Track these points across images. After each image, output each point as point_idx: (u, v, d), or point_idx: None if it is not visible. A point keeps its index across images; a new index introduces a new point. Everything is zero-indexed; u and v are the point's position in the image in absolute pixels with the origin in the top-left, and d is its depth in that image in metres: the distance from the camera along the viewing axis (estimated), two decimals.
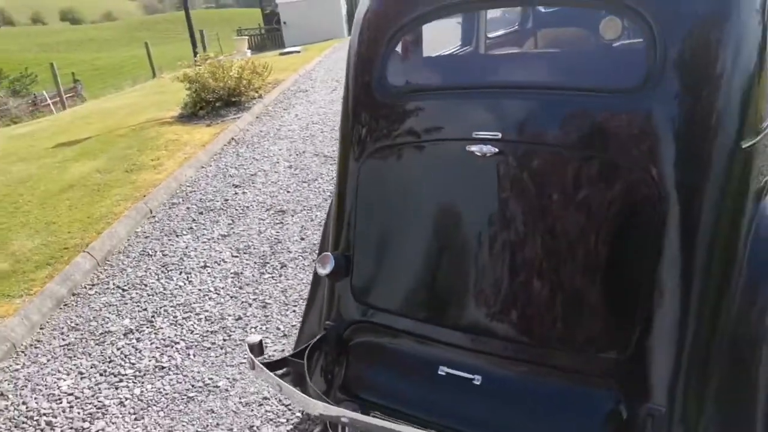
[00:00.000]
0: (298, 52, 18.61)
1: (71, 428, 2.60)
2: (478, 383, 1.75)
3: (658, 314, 1.56)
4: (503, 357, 1.74)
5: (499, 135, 1.72)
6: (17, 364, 3.10)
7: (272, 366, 1.93)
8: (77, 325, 3.44)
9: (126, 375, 2.93)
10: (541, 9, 3.21)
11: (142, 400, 2.73)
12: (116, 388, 2.84)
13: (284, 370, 1.98)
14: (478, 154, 1.73)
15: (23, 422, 2.66)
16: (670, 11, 1.55)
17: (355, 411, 1.78)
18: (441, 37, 3.19)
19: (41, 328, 3.43)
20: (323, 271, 2.00)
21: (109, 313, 3.53)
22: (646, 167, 1.56)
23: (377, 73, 1.94)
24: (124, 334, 3.28)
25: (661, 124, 1.55)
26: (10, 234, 4.76)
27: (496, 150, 1.71)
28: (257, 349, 2.01)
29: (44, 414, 2.70)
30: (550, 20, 3.12)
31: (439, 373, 1.81)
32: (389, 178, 1.96)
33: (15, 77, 24.08)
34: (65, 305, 3.67)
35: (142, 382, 2.85)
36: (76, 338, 3.30)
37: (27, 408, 2.75)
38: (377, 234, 1.99)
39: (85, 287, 3.87)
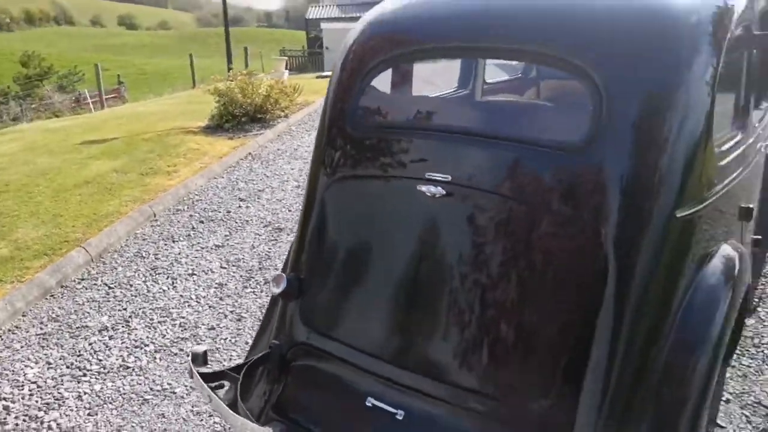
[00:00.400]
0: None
1: (26, 415, 2.65)
2: (400, 418, 1.75)
3: (587, 367, 1.55)
4: (427, 395, 1.74)
5: (449, 178, 1.75)
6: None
7: (209, 377, 1.96)
8: (57, 316, 3.52)
9: (90, 370, 2.98)
10: None
11: (99, 397, 2.77)
12: (78, 382, 2.89)
13: (220, 383, 2.01)
14: (428, 194, 1.76)
15: None
16: (619, 75, 1.58)
17: None
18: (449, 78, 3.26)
19: (23, 315, 3.52)
20: (276, 290, 2.04)
21: (91, 308, 3.61)
22: (585, 222, 1.57)
23: (352, 102, 2.00)
24: (99, 331, 3.35)
25: (601, 183, 1.57)
26: (17, 222, 4.91)
27: (445, 192, 1.74)
28: (201, 359, 2.05)
29: (4, 398, 2.76)
30: (548, 73, 3.16)
31: (366, 403, 1.81)
32: (347, 207, 2.01)
33: (63, 74, 25.03)
34: (51, 296, 3.77)
35: (104, 380, 2.90)
36: (53, 329, 3.38)
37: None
38: (329, 260, 2.02)
39: (74, 281, 3.96)
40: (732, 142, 1.90)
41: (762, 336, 3.05)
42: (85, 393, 2.80)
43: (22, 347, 3.20)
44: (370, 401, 1.81)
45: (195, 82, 18.66)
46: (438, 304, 1.76)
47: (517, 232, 1.67)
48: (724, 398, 2.61)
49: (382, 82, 2.22)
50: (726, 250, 1.85)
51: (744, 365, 2.84)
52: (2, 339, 3.27)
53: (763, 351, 2.94)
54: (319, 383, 1.97)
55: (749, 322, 3.16)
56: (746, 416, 2.51)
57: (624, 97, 1.56)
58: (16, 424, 2.60)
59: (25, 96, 21.44)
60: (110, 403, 2.73)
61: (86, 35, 60.43)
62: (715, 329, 1.65)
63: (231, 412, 1.78)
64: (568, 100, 2.11)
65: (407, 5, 2.02)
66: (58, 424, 2.60)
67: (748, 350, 2.96)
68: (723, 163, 1.79)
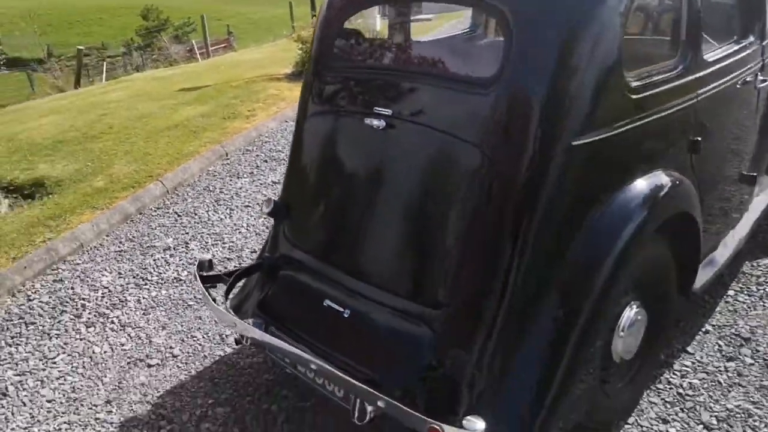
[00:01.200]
0: (429, 19, 18.73)
1: (97, 312, 3.28)
2: (346, 316, 2.09)
3: (494, 276, 1.79)
4: (364, 297, 2.06)
5: (390, 112, 2.01)
6: (80, 260, 3.88)
7: (207, 279, 2.41)
8: (133, 237, 4.17)
9: (151, 281, 3.57)
10: None
11: (154, 301, 3.35)
12: (140, 289, 3.49)
13: (215, 284, 2.44)
14: (373, 126, 2.04)
15: (67, 301, 3.39)
16: (524, 11, 1.74)
17: (257, 325, 2.20)
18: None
19: (106, 236, 4.20)
20: (265, 210, 2.43)
21: (161, 232, 4.22)
22: (495, 149, 1.79)
23: (330, 42, 2.30)
24: (164, 250, 3.94)
25: (507, 113, 1.77)
26: (114, 159, 5.66)
27: (386, 124, 2.01)
28: (206, 266, 2.49)
29: (83, 298, 3.42)
30: None
31: (323, 304, 2.17)
32: (318, 138, 2.32)
33: (178, 25, 26.68)
34: (131, 221, 4.43)
35: (160, 288, 3.48)
36: (128, 247, 4.02)
37: (73, 292, 3.49)
38: (305, 184, 2.37)
39: (151, 209, 4.61)
40: (662, 76, 1.98)
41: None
42: (143, 298, 3.39)
43: (101, 261, 3.86)
44: (326, 302, 2.16)
45: (294, 30, 19.27)
46: (371, 221, 2.06)
47: (441, 158, 1.91)
48: (703, 329, 2.71)
49: (363, 25, 2.47)
50: (656, 177, 1.98)
51: (739, 301, 2.88)
52: (88, 253, 3.96)
53: (764, 289, 2.95)
54: (293, 288, 2.35)
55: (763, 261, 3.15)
56: (720, 345, 2.60)
57: (528, 32, 1.73)
58: (88, 318, 3.23)
59: (145, 47, 23.22)
60: (161, 306, 3.30)
61: None
62: (615, 249, 1.82)
63: (215, 305, 2.20)
64: (493, 41, 2.25)
65: None
66: (119, 320, 3.20)
67: (749, 287, 2.98)
68: (644, 94, 1.89)
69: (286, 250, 2.41)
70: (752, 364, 2.48)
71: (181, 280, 3.57)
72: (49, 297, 3.44)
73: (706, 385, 2.38)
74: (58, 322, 3.21)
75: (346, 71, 2.25)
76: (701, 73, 2.11)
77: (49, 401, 2.62)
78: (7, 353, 2.96)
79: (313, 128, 2.32)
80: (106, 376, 2.76)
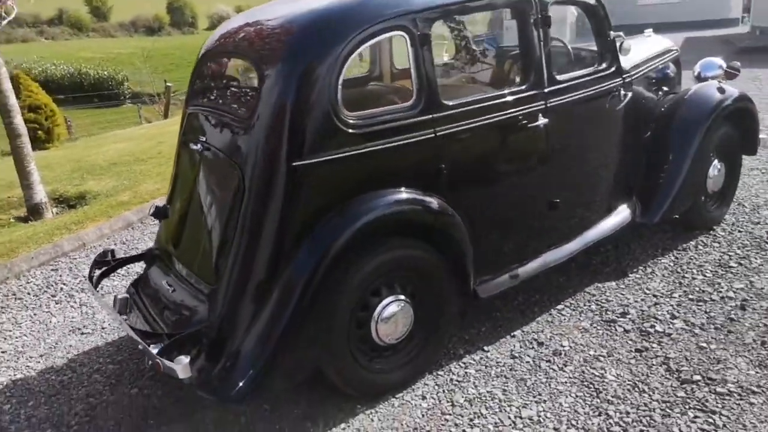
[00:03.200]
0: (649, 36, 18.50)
1: (68, 294, 4.18)
2: (172, 292, 2.78)
3: (227, 263, 2.43)
4: (183, 277, 2.75)
5: (204, 140, 2.72)
6: (78, 256, 4.85)
7: (102, 264, 3.19)
8: (126, 240, 5.10)
9: (120, 273, 4.44)
10: None
11: (113, 288, 4.20)
12: (109, 279, 4.37)
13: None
14: (196, 149, 2.76)
15: (52, 284, 4.33)
16: (265, 67, 2.40)
17: (124, 299, 2.93)
18: None
19: (107, 239, 5.17)
20: (150, 213, 3.20)
21: (149, 238, 5.12)
22: (242, 167, 2.44)
23: (193, 84, 3.06)
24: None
25: (252, 142, 2.41)
26: (146, 179, 6.75)
27: (201, 149, 2.72)
28: (108, 254, 3.28)
29: (64, 283, 4.34)
30: None
31: (163, 282, 2.88)
32: (179, 158, 3.07)
33: None
34: (131, 227, 5.39)
35: (123, 279, 4.34)
36: (119, 247, 4.95)
37: (60, 278, 4.43)
38: (171, 194, 3.12)
39: (150, 220, 5.56)
40: (391, 116, 2.52)
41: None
42: (107, 285, 4.26)
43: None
44: (165, 281, 2.86)
45: None
46: (192, 223, 2.77)
47: (224, 174, 2.58)
48: (511, 334, 3.09)
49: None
50: (394, 192, 2.51)
51: (561, 314, 3.23)
52: (86, 251, 4.93)
53: (588, 306, 3.27)
54: (153, 270, 3.07)
55: None
56: (515, 346, 2.98)
57: (267, 82, 2.38)
58: (60, 298, 4.14)
59: None
60: (118, 291, 4.14)
61: None
62: (333, 248, 2.36)
63: (90, 285, 2.98)
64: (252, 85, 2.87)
65: None
66: (80, 300, 4.07)
67: (574, 304, 3.30)
68: (365, 130, 2.43)
69: (157, 243, 3.17)
70: (528, 362, 2.85)
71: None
72: (41, 281, 4.41)
73: (477, 375, 2.80)
74: (38, 298, 4.15)
75: (195, 107, 2.98)
76: (438, 115, 2.60)
77: (2, 352, 3.51)
78: None
79: (179, 150, 3.07)
80: (49, 338, 3.61)
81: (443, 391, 2.72)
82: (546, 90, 2.96)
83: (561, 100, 3.02)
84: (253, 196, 2.38)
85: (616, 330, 3.04)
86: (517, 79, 3.01)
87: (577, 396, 2.60)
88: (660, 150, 3.74)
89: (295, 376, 2.48)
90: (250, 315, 2.40)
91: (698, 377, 2.64)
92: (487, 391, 2.69)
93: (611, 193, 3.55)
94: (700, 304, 3.19)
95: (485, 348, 3.00)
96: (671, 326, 3.02)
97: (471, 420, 2.53)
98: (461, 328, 3.16)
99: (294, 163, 2.34)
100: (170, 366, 2.24)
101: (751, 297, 3.19)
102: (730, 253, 3.66)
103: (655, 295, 3.31)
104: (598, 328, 3.08)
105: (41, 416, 2.87)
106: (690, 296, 3.27)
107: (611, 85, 3.32)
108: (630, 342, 2.93)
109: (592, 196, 3.42)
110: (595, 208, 3.45)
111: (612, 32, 3.32)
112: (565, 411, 2.52)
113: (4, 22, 6.27)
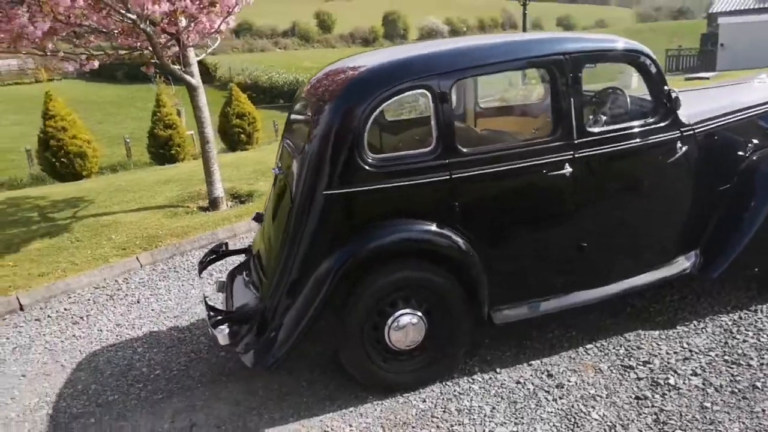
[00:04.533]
0: (707, 78, 17.47)
1: (191, 264, 5.28)
2: (244, 282, 3.59)
3: (275, 265, 3.14)
4: (255, 274, 3.53)
5: (280, 164, 3.49)
6: (230, 243, 5.99)
7: (215, 253, 4.13)
8: None
9: None
10: None
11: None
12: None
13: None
14: (275, 172, 3.54)
15: (205, 276, 5.48)
16: (316, 116, 3.06)
17: (222, 282, 3.83)
18: None
19: (253, 231, 6.27)
20: (252, 219, 4.06)
21: None
22: (291, 189, 3.13)
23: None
24: None
25: (300, 170, 3.09)
26: None
27: (277, 172, 3.49)
28: (222, 246, 4.22)
29: (212, 269, 5.47)
30: None
31: (243, 275, 3.70)
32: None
33: None
34: None
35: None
36: None
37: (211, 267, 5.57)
38: (267, 204, 3.93)
39: None
40: (411, 159, 2.99)
41: None
42: None
43: (237, 242, 5.92)
44: (244, 275, 3.68)
45: None
46: (266, 229, 3.52)
47: (283, 192, 3.29)
48: (529, 363, 3.37)
49: None
50: (411, 223, 3.01)
51: (580, 352, 3.40)
52: (236, 239, 6.06)
53: (578, 343, 3.39)
54: (244, 263, 3.90)
55: None
56: (526, 376, 3.26)
57: (316, 124, 3.03)
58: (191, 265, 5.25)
59: None
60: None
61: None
62: (346, 264, 2.93)
63: (199, 268, 3.90)
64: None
65: None
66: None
67: (591, 340, 3.44)
68: (385, 170, 2.95)
69: (252, 242, 4.01)
70: (528, 389, 3.13)
71: None
72: (195, 261, 5.58)
73: (479, 391, 3.15)
74: (189, 273, 5.30)
75: (284, 138, 3.74)
76: (454, 160, 3.01)
77: (152, 310, 4.64)
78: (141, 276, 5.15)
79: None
80: (185, 305, 4.67)
81: (442, 399, 3.14)
82: (575, 141, 3.19)
83: (593, 151, 3.23)
84: (296, 214, 3.05)
85: (629, 376, 3.16)
86: (545, 131, 3.27)
87: (554, 426, 2.85)
88: (737, 204, 3.66)
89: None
90: (285, 306, 3.08)
91: None
92: (478, 406, 3.04)
93: (666, 243, 3.59)
94: (733, 366, 3.14)
95: (498, 370, 3.33)
96: (686, 382, 3.06)
97: (451, 426, 2.92)
98: (487, 349, 3.51)
99: (324, 192, 2.97)
100: (213, 333, 3.02)
101: None
102: None
103: (691, 350, 3.31)
104: (613, 371, 3.21)
105: (157, 360, 3.87)
106: (726, 357, 3.22)
107: (663, 138, 3.39)
108: (635, 389, 3.05)
109: (636, 245, 3.50)
110: (640, 257, 3.53)
111: (666, 86, 3.38)
112: None
113: (216, 44, 7.72)
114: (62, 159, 10.49)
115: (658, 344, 3.41)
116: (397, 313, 3.11)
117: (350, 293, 3.03)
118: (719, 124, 3.67)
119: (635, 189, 3.45)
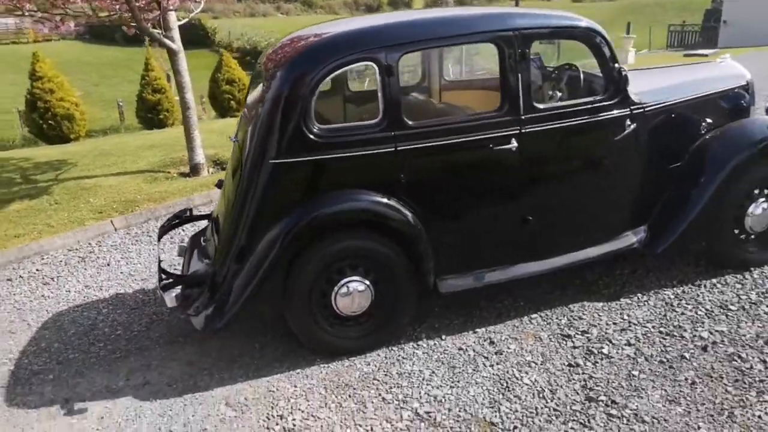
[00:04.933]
0: (705, 55, 17.27)
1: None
2: (203, 247, 3.68)
3: (227, 232, 3.22)
4: (212, 239, 3.62)
5: (236, 132, 3.54)
6: (205, 209, 6.08)
7: (177, 217, 4.22)
8: None
9: None
10: None
11: None
12: None
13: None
14: (232, 140, 3.60)
15: (177, 240, 5.57)
16: (271, 80, 3.09)
17: (181, 247, 3.93)
18: None
19: None
20: (215, 184, 4.14)
21: None
22: (242, 154, 3.20)
23: None
24: None
25: (251, 138, 3.14)
26: None
27: (234, 140, 3.55)
28: (186, 211, 4.30)
29: (186, 235, 5.57)
30: None
31: (202, 240, 3.79)
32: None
33: None
34: None
35: None
36: None
37: (185, 233, 5.67)
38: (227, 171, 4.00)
39: None
40: (357, 130, 3.06)
41: None
42: None
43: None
44: (203, 238, 3.77)
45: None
46: (222, 196, 3.60)
47: (237, 159, 3.35)
48: (474, 330, 3.48)
49: None
50: (358, 192, 3.08)
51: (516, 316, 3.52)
52: (212, 205, 6.15)
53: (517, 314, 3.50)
54: (205, 229, 4.00)
55: None
56: (469, 341, 3.38)
57: (265, 96, 3.07)
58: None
59: None
60: None
61: None
62: (291, 232, 3.01)
63: (158, 233, 3.99)
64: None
65: None
66: None
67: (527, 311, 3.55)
68: (329, 140, 3.02)
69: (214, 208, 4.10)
70: (469, 354, 3.25)
71: None
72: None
73: (422, 356, 3.27)
74: None
75: (244, 109, 3.79)
76: (400, 132, 3.08)
77: (121, 272, 4.76)
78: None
79: None
80: (152, 268, 4.78)
81: (386, 363, 3.26)
82: (522, 117, 3.25)
83: (540, 126, 3.28)
84: (245, 181, 3.12)
85: (566, 344, 3.27)
86: (492, 105, 3.32)
87: (485, 389, 2.98)
88: (686, 182, 3.73)
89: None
90: (234, 271, 3.18)
91: (603, 398, 2.83)
92: (419, 370, 3.17)
93: (613, 218, 3.67)
94: (666, 338, 3.26)
95: (443, 337, 3.45)
96: (619, 351, 3.17)
97: (390, 389, 3.05)
98: (436, 317, 3.62)
99: (271, 161, 3.03)
100: (163, 295, 3.12)
101: (724, 341, 3.17)
102: (741, 296, 3.56)
103: (630, 322, 3.42)
104: (552, 339, 3.33)
105: (120, 320, 3.99)
106: (662, 329, 3.33)
107: (611, 116, 3.44)
108: (569, 357, 3.17)
109: (583, 219, 3.58)
110: (586, 231, 3.61)
111: (617, 64, 3.42)
112: (465, 397, 2.92)
113: (199, 8, 7.64)
114: (49, 121, 10.51)
115: (599, 315, 3.51)
116: (344, 280, 3.21)
117: (297, 259, 3.12)
118: (672, 103, 3.72)
119: (582, 165, 3.51)
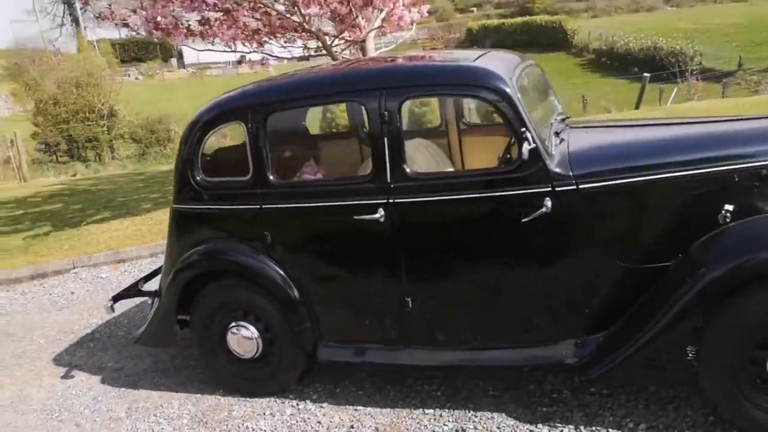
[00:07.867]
0: None
1: None
2: None
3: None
4: None
5: None
6: None
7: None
8: None
9: None
10: None
11: None
12: None
13: None
14: None
15: None
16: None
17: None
18: None
19: None
20: None
21: None
22: None
23: None
24: None
25: None
26: None
27: None
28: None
29: None
30: None
31: None
32: None
33: None
34: None
35: None
36: None
37: None
38: None
39: None
40: (232, 186, 3.17)
41: None
42: None
43: None
44: None
45: None
46: None
47: None
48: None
49: None
50: (225, 242, 3.25)
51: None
52: None
53: None
54: None
55: None
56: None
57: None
58: None
59: None
60: None
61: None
62: (181, 279, 3.33)
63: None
64: None
65: None
66: None
67: None
68: (212, 192, 3.22)
69: None
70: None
71: None
72: None
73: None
74: None
75: None
76: (265, 191, 3.04)
77: None
78: None
79: None
80: None
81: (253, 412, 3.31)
82: (391, 185, 2.84)
83: (412, 198, 2.81)
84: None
85: None
86: (361, 170, 2.93)
87: None
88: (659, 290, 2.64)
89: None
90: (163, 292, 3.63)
91: None
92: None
93: (539, 320, 2.85)
94: None
95: (304, 403, 3.27)
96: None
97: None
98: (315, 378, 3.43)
99: (174, 206, 3.42)
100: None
101: None
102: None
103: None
104: None
105: None
106: None
107: (516, 192, 2.68)
108: None
109: (487, 314, 2.89)
110: (496, 329, 2.91)
111: (526, 129, 2.61)
112: None
113: (408, 34, 8.08)
114: None
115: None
116: (233, 324, 3.32)
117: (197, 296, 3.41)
118: (641, 178, 2.64)
119: (481, 249, 2.84)
